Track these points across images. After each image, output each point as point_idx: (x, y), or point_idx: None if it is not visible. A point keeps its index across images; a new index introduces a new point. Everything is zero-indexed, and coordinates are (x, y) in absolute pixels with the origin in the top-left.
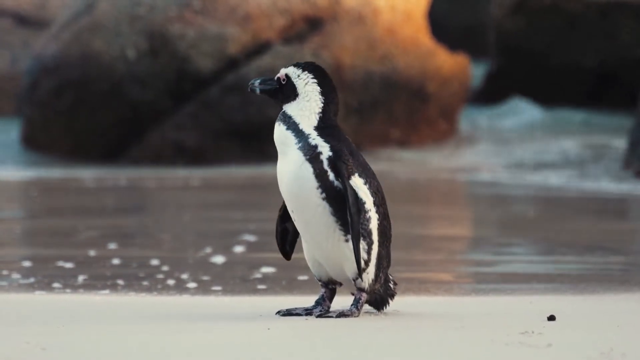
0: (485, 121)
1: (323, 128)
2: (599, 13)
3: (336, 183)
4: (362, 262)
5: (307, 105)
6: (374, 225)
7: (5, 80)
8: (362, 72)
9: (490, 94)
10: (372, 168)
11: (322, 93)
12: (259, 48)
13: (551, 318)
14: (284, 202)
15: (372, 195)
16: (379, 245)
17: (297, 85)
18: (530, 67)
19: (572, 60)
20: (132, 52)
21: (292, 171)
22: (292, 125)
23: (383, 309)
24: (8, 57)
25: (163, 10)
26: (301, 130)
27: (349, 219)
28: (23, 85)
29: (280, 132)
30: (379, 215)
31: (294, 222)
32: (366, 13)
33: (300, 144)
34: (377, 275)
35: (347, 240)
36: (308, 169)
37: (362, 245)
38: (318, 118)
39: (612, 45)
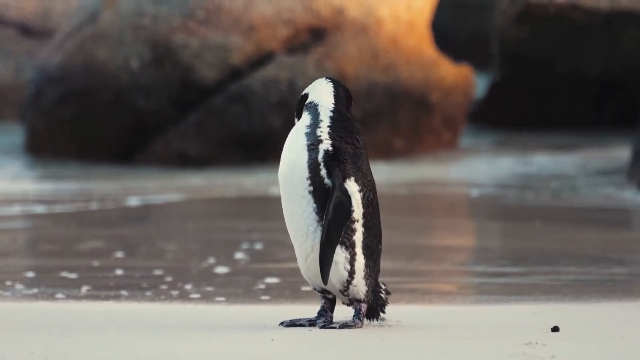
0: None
1: (338, 120)
2: (603, 21)
3: (326, 180)
4: (346, 273)
5: (321, 90)
6: (357, 237)
7: (9, 90)
8: (365, 82)
9: (495, 103)
10: (373, 178)
11: (331, 82)
12: (263, 58)
13: (555, 329)
14: None
15: (363, 207)
16: (366, 258)
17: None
18: (534, 76)
19: (577, 68)
20: (136, 62)
21: (291, 154)
22: (312, 108)
23: (374, 319)
24: (12, 66)
25: (167, 20)
26: (318, 113)
27: (324, 219)
28: (27, 94)
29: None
30: (364, 229)
31: (283, 208)
32: (369, 23)
33: (309, 129)
34: (368, 286)
35: None
36: (304, 155)
37: (345, 254)
38: (334, 100)
39: (617, 53)
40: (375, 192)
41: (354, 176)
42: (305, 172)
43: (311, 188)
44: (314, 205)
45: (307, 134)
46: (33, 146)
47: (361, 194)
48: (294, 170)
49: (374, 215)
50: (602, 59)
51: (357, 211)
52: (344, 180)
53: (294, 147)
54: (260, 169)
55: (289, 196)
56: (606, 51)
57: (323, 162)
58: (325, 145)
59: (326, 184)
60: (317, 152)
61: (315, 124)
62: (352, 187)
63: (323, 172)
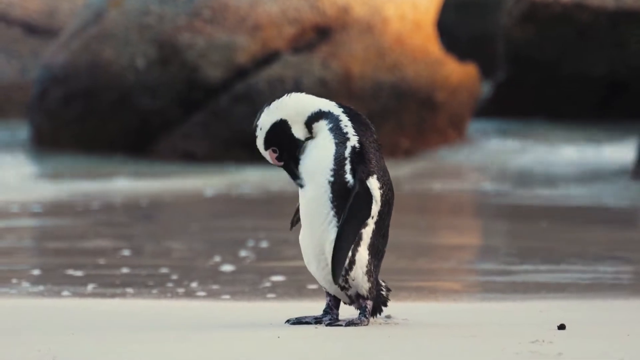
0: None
1: (352, 115)
2: (609, 22)
3: (347, 176)
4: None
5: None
6: (366, 232)
7: (15, 89)
8: (371, 82)
9: (500, 103)
10: (390, 176)
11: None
12: (268, 57)
13: (561, 327)
14: None
15: (381, 204)
16: (370, 255)
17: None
18: (540, 76)
19: (582, 69)
20: (142, 61)
21: (318, 149)
22: (323, 114)
23: (377, 315)
24: (17, 66)
25: (172, 20)
26: (331, 112)
27: (341, 218)
28: (32, 94)
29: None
30: (375, 227)
31: (300, 200)
32: (375, 22)
33: (330, 125)
34: (370, 283)
35: None
36: (331, 149)
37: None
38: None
39: (622, 54)
40: (393, 192)
41: (376, 174)
42: (330, 164)
43: (332, 179)
44: (330, 195)
45: (331, 130)
46: (38, 145)
47: (381, 191)
48: (320, 162)
49: (388, 215)
50: (607, 59)
51: (374, 207)
52: (366, 178)
53: (321, 143)
54: (265, 168)
55: (310, 183)
56: (612, 52)
57: (349, 158)
58: (353, 142)
59: (346, 179)
60: (345, 148)
61: (336, 121)
62: (373, 184)
63: (347, 167)
